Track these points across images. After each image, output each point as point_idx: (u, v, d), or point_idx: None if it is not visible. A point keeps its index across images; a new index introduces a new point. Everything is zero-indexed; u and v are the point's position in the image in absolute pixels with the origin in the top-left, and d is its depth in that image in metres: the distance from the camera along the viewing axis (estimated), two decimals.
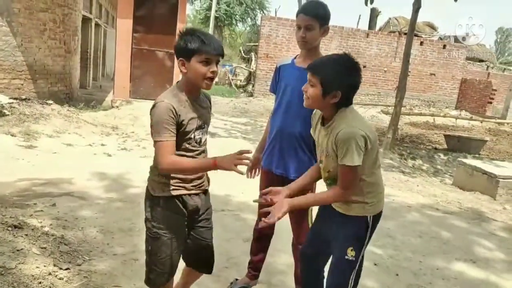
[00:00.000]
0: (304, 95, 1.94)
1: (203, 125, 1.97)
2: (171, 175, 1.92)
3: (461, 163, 6.64)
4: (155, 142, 1.83)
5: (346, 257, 1.98)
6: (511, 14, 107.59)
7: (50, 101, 7.91)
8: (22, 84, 8.56)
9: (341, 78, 1.84)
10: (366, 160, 1.85)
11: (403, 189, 5.81)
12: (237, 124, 9.74)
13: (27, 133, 6.01)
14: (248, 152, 1.80)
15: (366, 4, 9.12)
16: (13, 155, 5.14)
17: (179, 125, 1.85)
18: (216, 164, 1.77)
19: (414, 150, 9.02)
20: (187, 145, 1.91)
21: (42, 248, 2.78)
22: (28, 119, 6.53)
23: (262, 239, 2.70)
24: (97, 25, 14.87)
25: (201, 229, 2.10)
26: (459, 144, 9.78)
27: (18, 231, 2.91)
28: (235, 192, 4.59)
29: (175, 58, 1.91)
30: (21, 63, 8.46)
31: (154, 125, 1.82)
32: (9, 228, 2.90)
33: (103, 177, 4.76)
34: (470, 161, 6.90)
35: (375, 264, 3.28)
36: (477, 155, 9.30)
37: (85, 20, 12.59)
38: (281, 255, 3.18)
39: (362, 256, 2.02)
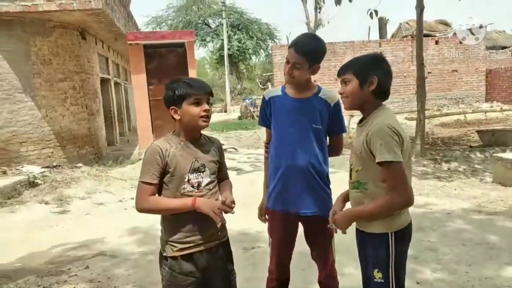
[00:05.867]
0: (342, 97, 1.96)
1: (202, 167, 1.91)
2: (175, 229, 1.88)
3: (498, 158, 6.31)
4: (138, 183, 1.87)
5: (375, 279, 1.87)
6: None
7: (80, 164, 8.18)
8: (52, 152, 8.93)
9: (372, 65, 1.89)
10: None
11: (440, 196, 5.55)
12: (261, 156, 9.71)
13: (60, 199, 6.19)
14: (232, 203, 1.88)
15: (371, 17, 9.08)
16: (47, 222, 5.29)
17: (167, 167, 1.85)
18: (194, 205, 1.82)
19: (447, 152, 8.65)
20: (182, 190, 1.87)
21: None
22: (59, 185, 6.75)
23: None
24: (116, 83, 15.51)
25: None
26: (494, 138, 9.34)
27: None
28: (265, 227, 4.50)
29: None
30: (48, 133, 8.87)
31: (141, 166, 1.88)
32: None
33: (135, 231, 4.80)
34: (508, 154, 6.54)
35: (418, 283, 3.08)
36: None
37: (104, 81, 13.15)
38: None
39: (398, 276, 1.86)
